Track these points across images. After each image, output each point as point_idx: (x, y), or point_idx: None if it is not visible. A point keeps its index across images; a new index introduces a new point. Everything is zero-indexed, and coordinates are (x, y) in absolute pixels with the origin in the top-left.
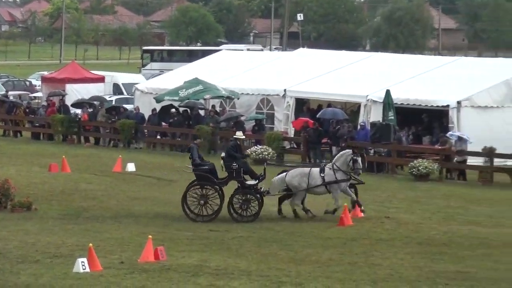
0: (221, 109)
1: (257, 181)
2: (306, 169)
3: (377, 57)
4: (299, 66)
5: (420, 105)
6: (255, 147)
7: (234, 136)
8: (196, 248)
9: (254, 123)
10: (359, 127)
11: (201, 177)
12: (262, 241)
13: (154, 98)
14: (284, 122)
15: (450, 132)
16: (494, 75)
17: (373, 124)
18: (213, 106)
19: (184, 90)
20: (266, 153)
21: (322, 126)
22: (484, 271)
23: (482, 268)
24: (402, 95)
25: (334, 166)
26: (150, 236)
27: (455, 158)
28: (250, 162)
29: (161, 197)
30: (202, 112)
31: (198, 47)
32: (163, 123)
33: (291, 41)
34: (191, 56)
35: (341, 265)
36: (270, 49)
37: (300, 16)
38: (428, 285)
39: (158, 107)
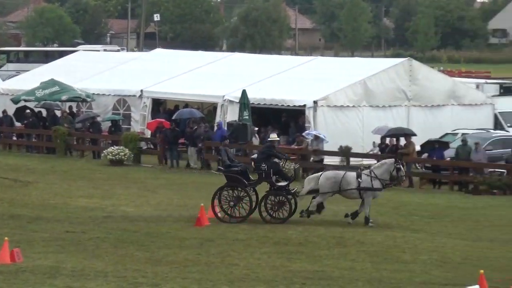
0: (77, 109)
1: (288, 182)
2: (341, 172)
3: (234, 57)
4: (156, 66)
5: (276, 104)
6: (112, 148)
7: (269, 138)
8: (53, 249)
9: (111, 124)
10: (215, 127)
11: (231, 179)
12: (118, 242)
13: (11, 99)
14: (140, 123)
15: (306, 132)
16: (351, 75)
17: (229, 124)
18: (70, 107)
19: (40, 90)
20: (123, 153)
21: (179, 126)
22: (341, 270)
23: (338, 267)
24: (259, 95)
25: (372, 173)
26: (6, 238)
27: (312, 158)
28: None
29: (18, 198)
30: (58, 113)
31: (54, 48)
32: (19, 124)
33: (148, 41)
34: (47, 57)
35: (198, 265)
36: (127, 50)
37: (157, 17)
38: (285, 284)
39: (10, 108)
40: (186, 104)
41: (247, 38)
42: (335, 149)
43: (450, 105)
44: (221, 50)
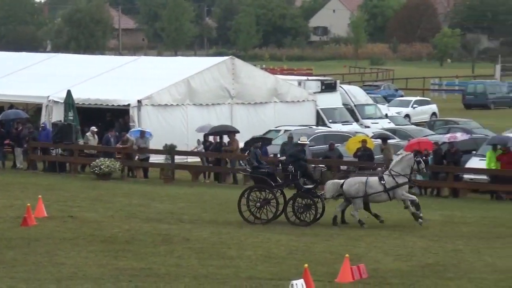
0: None
1: (314, 185)
2: (363, 178)
3: (58, 58)
4: None
5: (101, 104)
6: None
7: (299, 142)
8: None
9: None
10: (40, 127)
11: (258, 180)
12: None
13: None
14: None
15: (131, 130)
16: (174, 74)
17: (54, 125)
18: None
19: None
20: None
21: (4, 127)
22: (167, 267)
23: (165, 264)
24: (83, 95)
25: (392, 172)
26: None
27: (137, 156)
28: None
29: None
30: None
31: None
32: None
33: None
34: None
35: (25, 265)
36: None
37: None
38: (112, 282)
39: None
40: (11, 105)
41: (71, 39)
42: (160, 147)
43: (272, 102)
44: (45, 51)
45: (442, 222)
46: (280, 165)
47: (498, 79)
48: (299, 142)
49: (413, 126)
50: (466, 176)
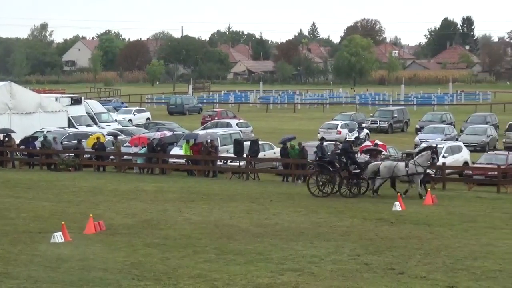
0: None
1: (360, 170)
2: (394, 163)
3: None
4: None
5: None
6: None
7: (347, 139)
8: None
9: None
10: None
11: (321, 166)
12: None
13: None
14: None
15: None
16: None
17: None
18: None
19: None
20: None
21: None
22: None
23: None
24: None
25: (415, 162)
26: None
27: None
28: None
29: None
30: None
31: None
32: None
33: None
34: None
35: None
36: None
37: None
38: None
39: None
40: None
41: None
42: None
43: (38, 112)
44: None
45: (155, 191)
46: (337, 156)
47: (190, 94)
48: (347, 139)
49: (134, 127)
50: (170, 160)
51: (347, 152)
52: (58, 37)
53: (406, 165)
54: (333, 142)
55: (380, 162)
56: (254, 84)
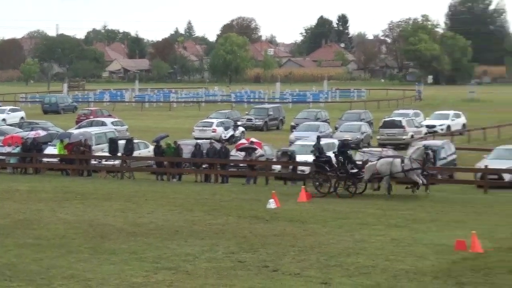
0: None
1: (358, 170)
2: (390, 159)
3: None
4: None
5: None
6: None
7: (344, 138)
8: None
9: None
10: None
11: (318, 166)
12: None
13: None
14: None
15: None
16: None
17: None
18: None
19: None
20: None
21: None
22: None
23: None
24: None
25: (411, 158)
26: None
27: None
28: None
29: None
30: None
31: None
32: None
33: None
34: None
35: None
36: None
37: None
38: None
39: None
40: None
41: None
42: None
43: None
44: None
45: (29, 191)
46: (334, 155)
47: (65, 93)
48: (343, 138)
49: (8, 126)
50: (44, 159)
51: (343, 151)
52: None
53: (402, 161)
54: (208, 141)
55: (375, 162)
56: (129, 82)
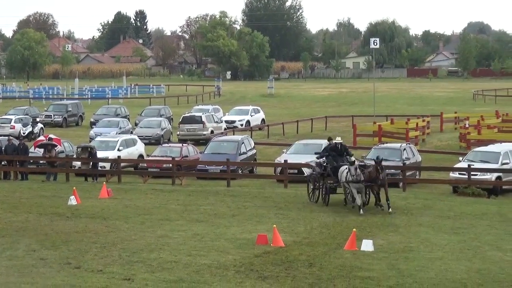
0: None
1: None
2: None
3: None
4: None
5: None
6: None
7: (334, 141)
8: None
9: None
10: None
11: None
12: None
13: None
14: None
15: None
16: None
17: None
18: None
19: None
20: None
21: None
22: None
23: None
24: None
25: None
26: None
27: None
28: None
29: None
30: None
31: None
32: None
33: None
34: None
35: None
36: None
37: None
38: None
39: None
40: None
41: None
42: None
43: None
44: None
45: None
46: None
47: None
48: (334, 141)
49: None
50: None
51: (325, 155)
52: None
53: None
54: (6, 138)
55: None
56: None
